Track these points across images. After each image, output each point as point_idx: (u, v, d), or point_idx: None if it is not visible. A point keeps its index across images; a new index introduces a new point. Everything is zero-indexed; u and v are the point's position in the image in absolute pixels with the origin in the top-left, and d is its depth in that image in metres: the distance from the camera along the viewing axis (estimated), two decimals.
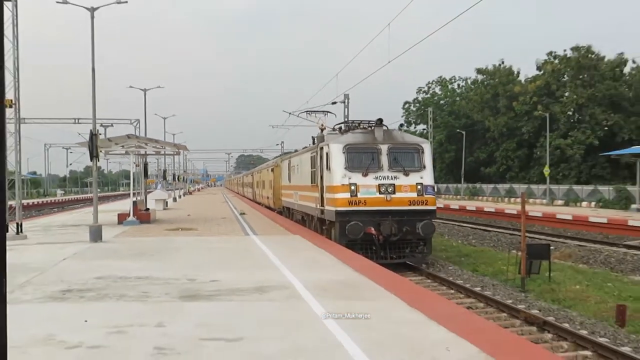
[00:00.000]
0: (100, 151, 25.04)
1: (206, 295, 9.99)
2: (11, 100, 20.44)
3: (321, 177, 20.91)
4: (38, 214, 46.82)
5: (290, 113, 42.51)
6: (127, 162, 36.43)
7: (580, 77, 56.57)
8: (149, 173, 42.00)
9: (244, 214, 33.76)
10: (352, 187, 18.46)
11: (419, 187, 18.78)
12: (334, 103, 35.89)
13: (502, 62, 70.61)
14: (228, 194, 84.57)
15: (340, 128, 23.09)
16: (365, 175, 18.68)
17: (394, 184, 18.66)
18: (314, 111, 29.39)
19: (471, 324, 8.06)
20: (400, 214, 18.51)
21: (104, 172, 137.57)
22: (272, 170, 39.51)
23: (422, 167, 19.32)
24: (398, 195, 18.61)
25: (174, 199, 55.09)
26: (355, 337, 7.11)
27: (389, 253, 18.59)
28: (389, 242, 18.50)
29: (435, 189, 21.00)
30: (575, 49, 57.49)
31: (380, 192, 18.54)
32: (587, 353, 10.54)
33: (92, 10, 22.60)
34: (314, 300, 9.31)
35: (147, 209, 29.96)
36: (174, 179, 72.19)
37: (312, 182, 22.86)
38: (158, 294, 10.11)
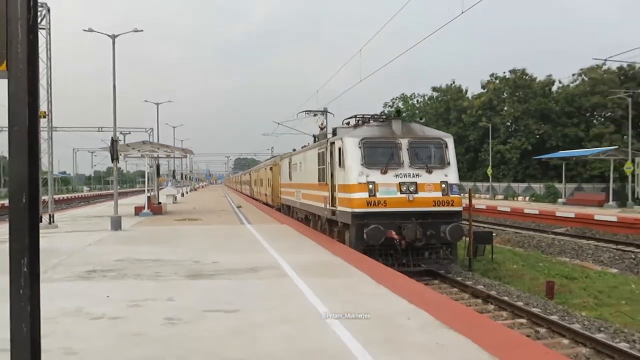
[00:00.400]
0: (120, 154, 24.80)
1: (208, 275, 9.95)
2: (45, 112, 20.40)
3: (332, 175, 16.29)
4: (67, 207, 46.16)
5: (279, 123, 42.18)
6: (142, 164, 36.04)
7: (517, 94, 57.00)
8: (160, 173, 41.58)
9: (240, 207, 33.61)
10: (370, 186, 14.13)
11: (443, 185, 14.51)
12: (315, 115, 35.81)
13: (453, 82, 70.89)
14: (227, 191, 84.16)
15: (347, 123, 18.12)
16: (384, 172, 14.34)
17: (416, 183, 14.39)
18: (313, 111, 27.29)
19: (428, 297, 8.10)
20: (423, 215, 14.16)
21: (123, 172, 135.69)
22: (271, 169, 34.87)
23: (447, 164, 14.95)
24: (421, 194, 14.28)
25: (182, 195, 54.75)
26: (331, 308, 7.12)
27: (412, 260, 14.30)
28: (412, 248, 14.22)
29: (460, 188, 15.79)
30: (513, 71, 58.00)
31: (401, 192, 14.21)
32: (523, 320, 10.67)
33: (114, 37, 22.48)
34: (298, 278, 9.31)
35: (159, 203, 29.79)
36: (181, 177, 71.72)
37: (319, 180, 18.10)
38: (168, 274, 10.05)
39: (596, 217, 27.65)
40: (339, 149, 15.29)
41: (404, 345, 5.68)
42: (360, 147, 14.61)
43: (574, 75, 54.30)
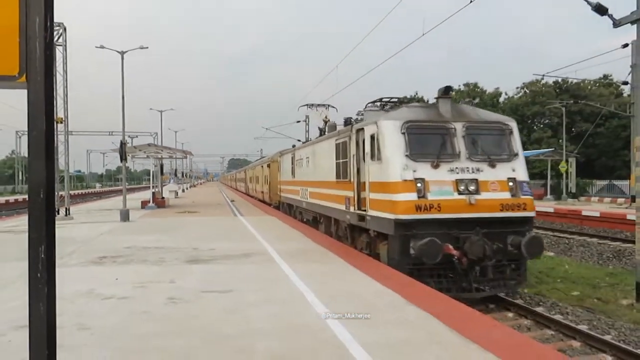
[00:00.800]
0: (128, 155, 24.51)
1: (206, 260, 9.88)
2: (61, 118, 20.16)
3: (358, 170, 11.28)
4: (81, 201, 45.38)
5: (267, 128, 42.00)
6: (148, 163, 35.75)
7: None
8: (164, 171, 41.23)
9: (233, 201, 33.49)
10: (419, 184, 9.23)
11: (511, 183, 9.69)
12: (297, 122, 35.59)
13: (416, 93, 71.31)
14: (223, 187, 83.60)
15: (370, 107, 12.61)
16: (435, 166, 9.44)
17: (476, 180, 9.49)
18: (315, 105, 26.24)
19: (398, 281, 8.13)
20: (488, 224, 9.28)
21: (131, 171, 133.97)
22: (269, 166, 29.55)
23: (513, 155, 10.06)
24: (484, 195, 9.39)
25: (183, 190, 54.23)
26: (313, 289, 7.12)
27: (473, 282, 9.31)
28: (471, 267, 9.24)
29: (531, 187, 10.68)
30: (466, 84, 58.78)
31: (459, 192, 9.34)
32: None
33: (122, 53, 22.17)
34: (284, 263, 9.28)
35: (163, 198, 29.50)
36: (182, 175, 71.21)
37: (338, 177, 12.92)
38: (170, 259, 9.96)
39: (536, 209, 28.03)
40: (372, 136, 10.33)
41: (376, 319, 5.70)
42: (403, 133, 9.68)
43: (517, 88, 55.21)
